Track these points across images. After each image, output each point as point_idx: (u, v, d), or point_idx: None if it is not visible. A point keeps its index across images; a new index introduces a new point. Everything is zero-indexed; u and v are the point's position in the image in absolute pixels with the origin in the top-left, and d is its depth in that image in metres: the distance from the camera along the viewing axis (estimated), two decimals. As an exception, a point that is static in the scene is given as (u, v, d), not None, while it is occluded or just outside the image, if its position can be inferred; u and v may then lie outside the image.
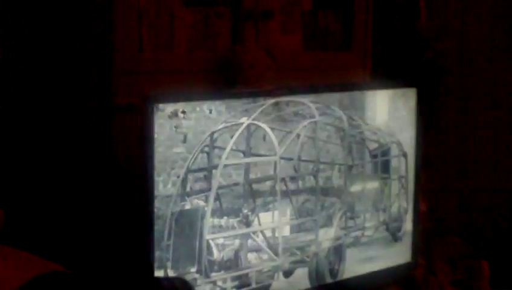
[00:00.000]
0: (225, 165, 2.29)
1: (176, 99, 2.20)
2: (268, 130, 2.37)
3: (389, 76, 2.88)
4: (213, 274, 2.28)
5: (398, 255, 2.79)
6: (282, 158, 2.41)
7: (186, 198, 2.24)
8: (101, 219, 2.33)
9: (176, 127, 2.20)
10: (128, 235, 2.25)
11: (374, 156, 2.70)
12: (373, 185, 2.71)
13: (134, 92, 2.27)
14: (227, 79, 2.49)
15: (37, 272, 1.46)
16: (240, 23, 2.58)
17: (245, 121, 2.33)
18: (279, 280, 2.45)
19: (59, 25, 2.39)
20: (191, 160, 2.23)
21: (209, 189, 2.26)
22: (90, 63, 2.36)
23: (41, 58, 2.40)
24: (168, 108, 2.17)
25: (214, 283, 2.29)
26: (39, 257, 1.56)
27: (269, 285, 2.43)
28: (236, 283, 2.34)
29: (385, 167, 2.74)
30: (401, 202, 2.79)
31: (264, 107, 2.37)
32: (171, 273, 2.19)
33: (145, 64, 2.38)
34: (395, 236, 2.79)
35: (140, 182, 2.16)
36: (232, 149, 2.30)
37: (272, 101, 2.39)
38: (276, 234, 2.42)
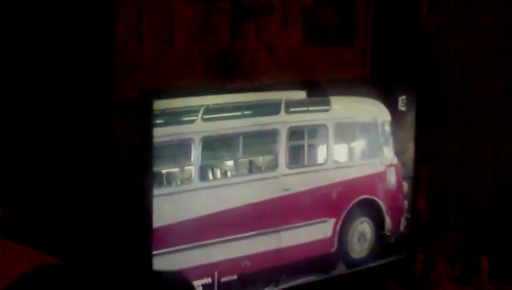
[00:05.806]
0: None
1: (173, 94, 2.19)
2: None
3: (388, 72, 2.88)
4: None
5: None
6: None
7: None
8: (99, 214, 2.33)
9: None
10: (127, 230, 2.26)
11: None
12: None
13: (134, 87, 2.27)
14: (226, 74, 2.49)
15: (33, 266, 1.46)
16: (240, 18, 2.58)
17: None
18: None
19: (59, 19, 2.39)
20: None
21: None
22: (91, 57, 2.36)
23: (41, 52, 2.40)
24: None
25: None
26: (36, 250, 1.56)
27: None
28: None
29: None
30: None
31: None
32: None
33: (145, 58, 2.38)
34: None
35: (139, 179, 2.15)
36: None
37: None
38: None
